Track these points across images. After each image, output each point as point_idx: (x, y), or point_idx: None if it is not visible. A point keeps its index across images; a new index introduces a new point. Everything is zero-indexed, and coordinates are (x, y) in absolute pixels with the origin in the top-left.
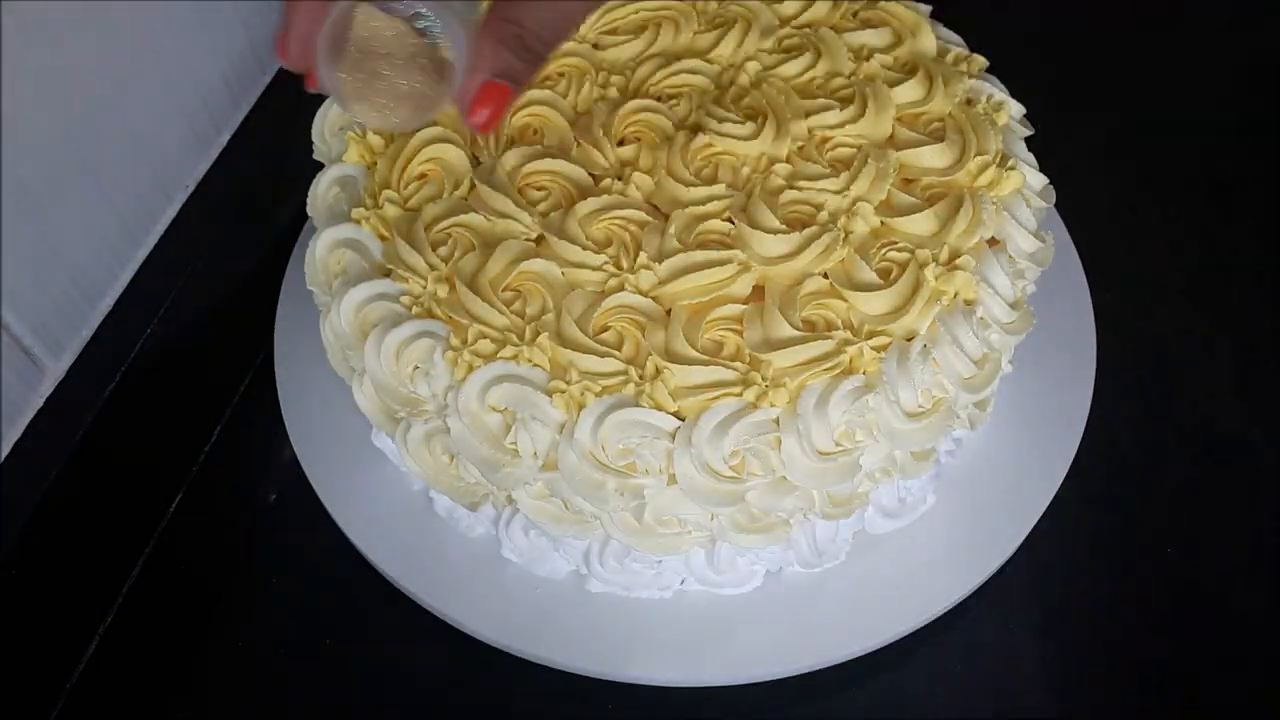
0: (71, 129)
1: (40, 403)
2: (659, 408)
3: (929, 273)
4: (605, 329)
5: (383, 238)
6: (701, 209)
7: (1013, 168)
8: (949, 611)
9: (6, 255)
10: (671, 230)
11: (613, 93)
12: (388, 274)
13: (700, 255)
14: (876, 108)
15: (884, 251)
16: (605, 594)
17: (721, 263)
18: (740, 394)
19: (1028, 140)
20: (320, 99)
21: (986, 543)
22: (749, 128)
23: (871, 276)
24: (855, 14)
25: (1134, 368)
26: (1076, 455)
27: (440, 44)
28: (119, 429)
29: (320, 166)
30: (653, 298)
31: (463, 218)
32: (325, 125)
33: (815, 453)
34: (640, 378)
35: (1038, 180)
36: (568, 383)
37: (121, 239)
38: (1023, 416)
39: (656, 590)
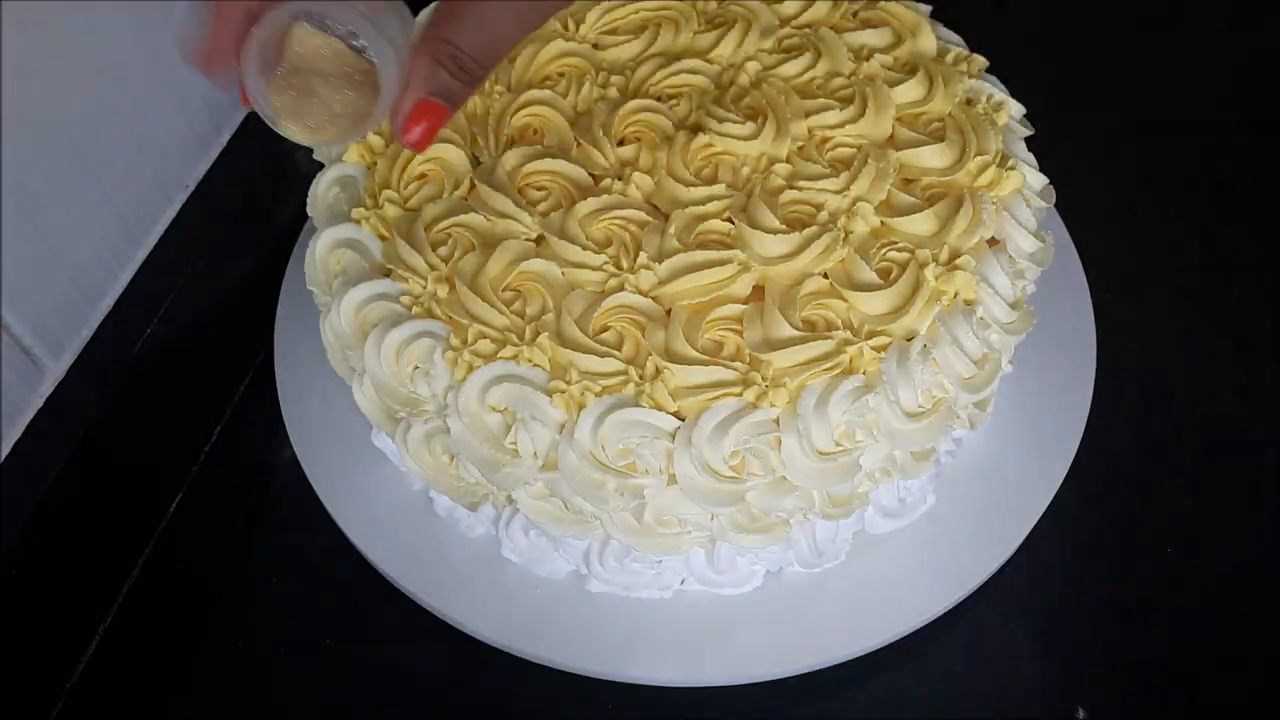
0: (71, 129)
1: (40, 403)
2: (659, 408)
3: (929, 273)
4: (605, 329)
5: (383, 238)
6: (701, 209)
7: (1013, 168)
8: (949, 611)
9: (6, 255)
10: (671, 230)
11: (613, 93)
12: (388, 274)
13: (700, 255)
14: (876, 108)
15: (884, 251)
16: (605, 594)
17: (721, 263)
18: (740, 394)
19: (1028, 140)
20: None
21: (986, 543)
22: (749, 128)
23: (871, 276)
24: (855, 14)
25: (1134, 368)
26: (1076, 455)
27: (377, 63)
28: (119, 429)
29: (320, 166)
30: (653, 298)
31: (463, 218)
32: None
33: (815, 453)
34: (640, 378)
35: (1038, 180)
36: (568, 383)
37: (121, 239)
38: (1023, 416)
39: (656, 590)
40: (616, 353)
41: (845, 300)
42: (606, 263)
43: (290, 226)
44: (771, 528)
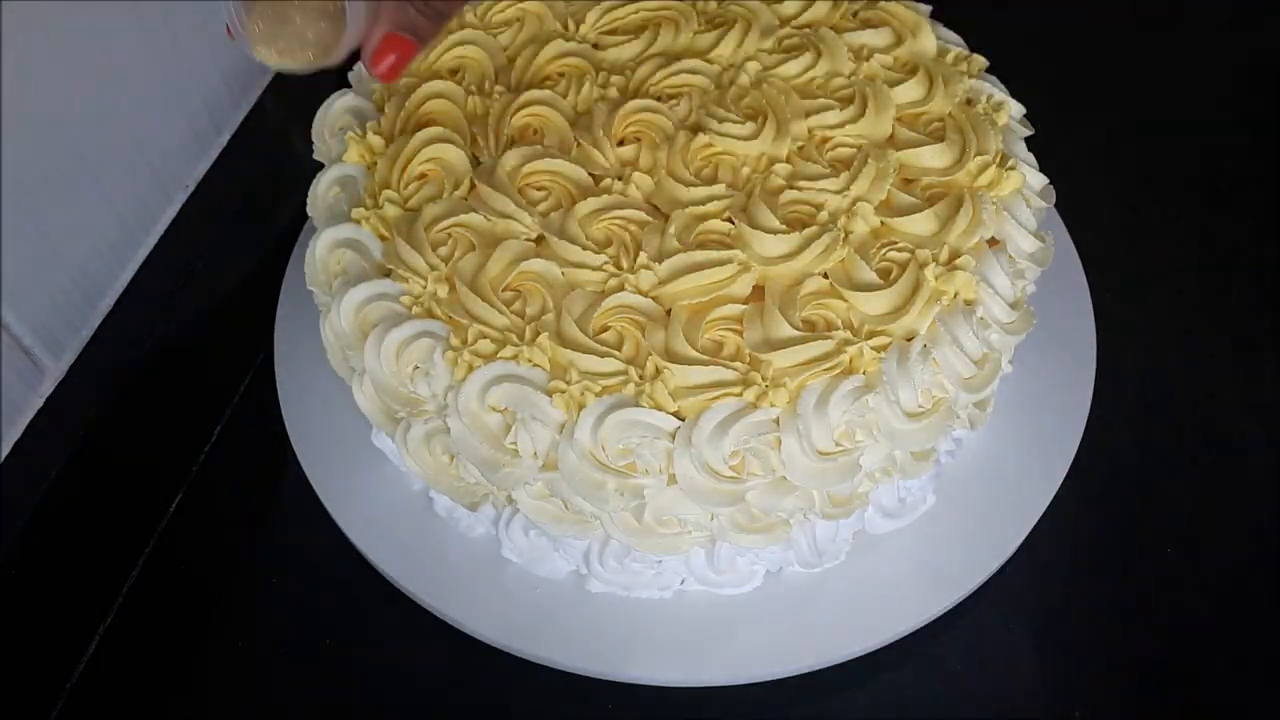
0: (71, 129)
1: (40, 403)
2: (659, 408)
3: (929, 273)
4: (605, 329)
5: (383, 238)
6: (701, 209)
7: (1013, 168)
8: (949, 611)
9: (6, 255)
10: (671, 230)
11: (613, 93)
12: (388, 274)
13: (700, 255)
14: (876, 108)
15: (884, 251)
16: (605, 594)
17: (721, 263)
18: (740, 394)
19: (1028, 140)
20: (320, 99)
21: (986, 543)
22: (749, 128)
23: (871, 276)
24: (855, 14)
25: (1134, 368)
26: (1076, 455)
27: None
28: (119, 429)
29: (320, 166)
30: (653, 298)
31: (463, 218)
32: (325, 125)
33: (815, 453)
34: (640, 378)
35: (1038, 180)
36: (568, 383)
37: (121, 239)
38: (1023, 416)
39: (656, 590)
40: (616, 353)
41: (845, 300)
42: (606, 263)
43: (290, 226)
44: (771, 528)
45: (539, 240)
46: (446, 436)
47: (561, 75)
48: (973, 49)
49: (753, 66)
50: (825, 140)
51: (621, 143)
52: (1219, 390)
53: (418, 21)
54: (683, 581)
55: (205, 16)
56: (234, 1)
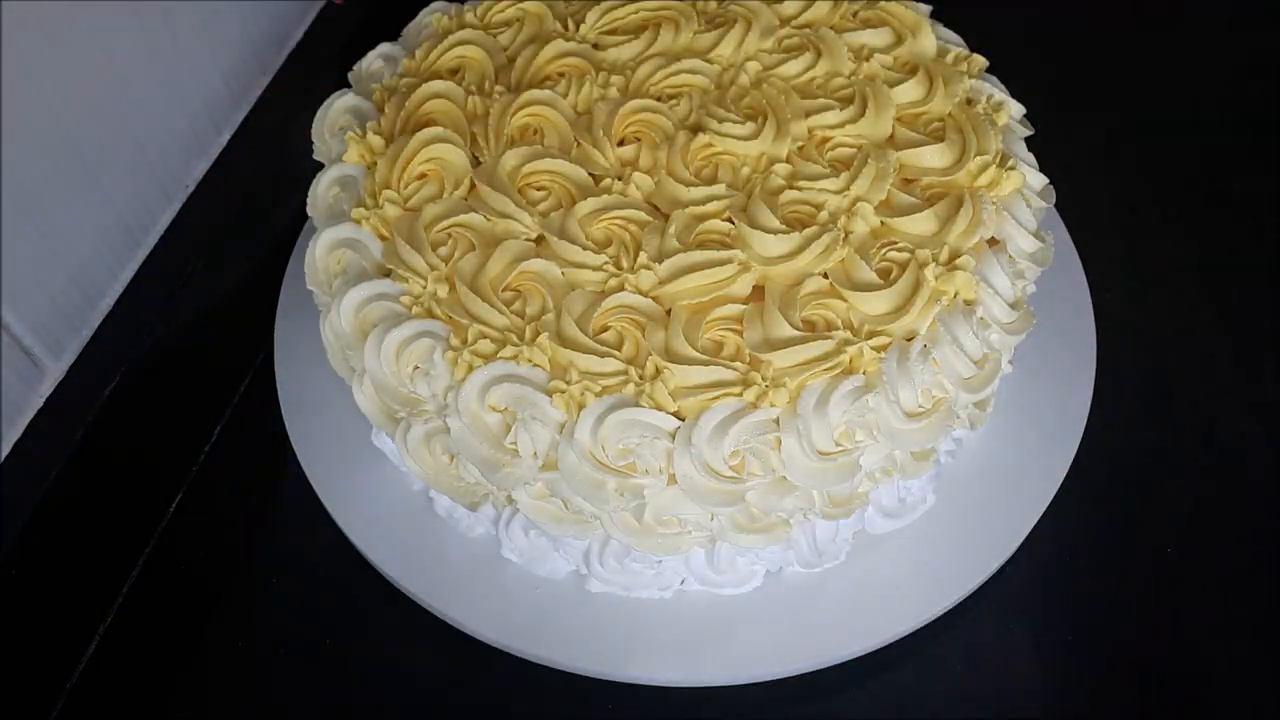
0: (71, 129)
1: (40, 403)
2: (659, 408)
3: (929, 273)
4: (605, 329)
5: (383, 238)
6: (701, 209)
7: (1013, 168)
8: (949, 611)
9: (6, 255)
10: (671, 230)
11: (613, 93)
12: (388, 274)
13: (700, 255)
14: (876, 108)
15: (884, 251)
16: (605, 594)
17: (721, 263)
18: (740, 394)
19: (1028, 140)
20: (320, 99)
21: (986, 543)
22: (749, 128)
23: (871, 276)
24: (855, 14)
25: (1134, 368)
26: (1076, 455)
27: None
28: (119, 429)
29: (320, 166)
30: (653, 298)
31: (463, 218)
32: (325, 125)
33: (815, 453)
34: (640, 378)
35: (1038, 180)
36: (568, 383)
37: (121, 239)
38: (1023, 416)
39: (656, 590)
40: (616, 353)
41: (845, 300)
42: (606, 263)
43: (290, 226)
44: (771, 528)
45: (539, 240)
46: (446, 436)
47: (561, 75)
48: (973, 49)
49: (753, 66)
50: (825, 140)
51: (621, 143)
52: (1219, 390)
53: None
54: (683, 581)
55: (205, 16)
56: None
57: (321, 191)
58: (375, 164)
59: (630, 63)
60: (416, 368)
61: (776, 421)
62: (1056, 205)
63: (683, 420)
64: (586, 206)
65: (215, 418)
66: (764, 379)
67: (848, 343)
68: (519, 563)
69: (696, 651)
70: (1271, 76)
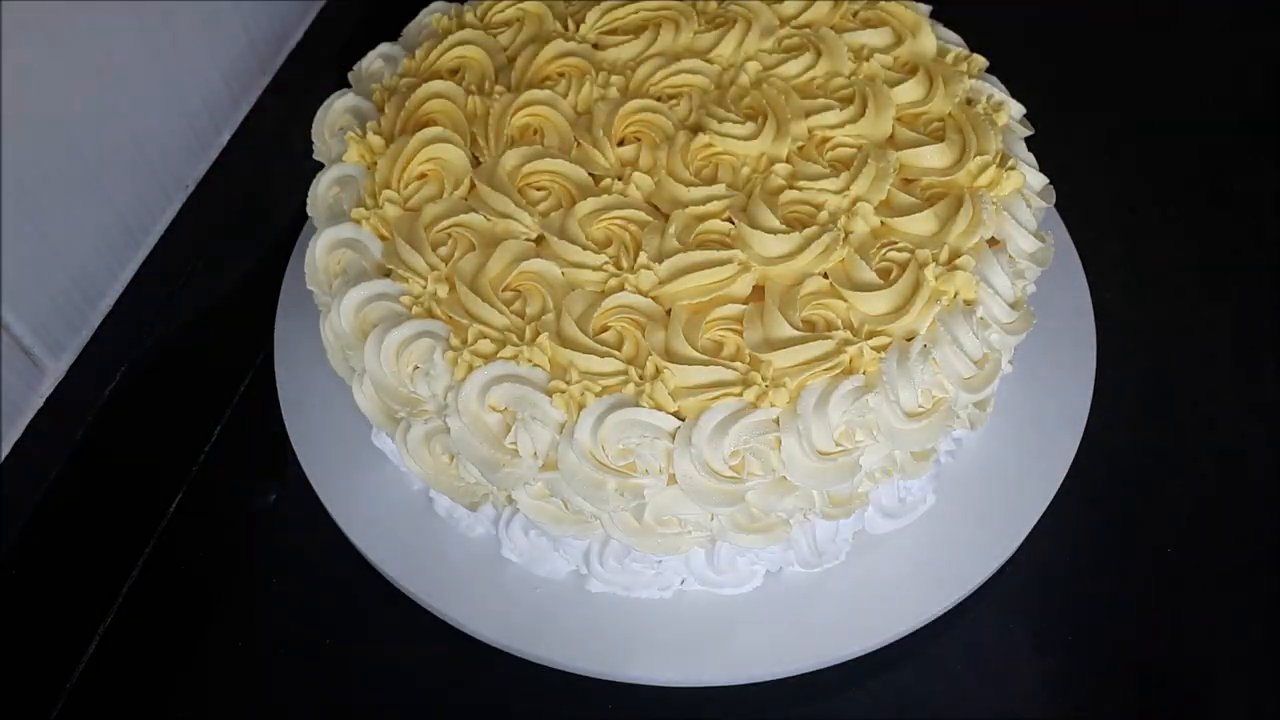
0: (71, 129)
1: (40, 403)
2: (659, 408)
3: (929, 273)
4: (605, 329)
5: (383, 238)
6: (701, 209)
7: (1013, 168)
8: (949, 611)
9: (6, 255)
10: (671, 230)
11: (613, 93)
12: (388, 274)
13: (700, 255)
14: (876, 108)
15: (884, 251)
16: (605, 594)
17: (721, 263)
18: (740, 394)
19: (1028, 140)
20: (320, 99)
21: (986, 543)
22: (749, 128)
23: (871, 276)
24: (855, 14)
25: (1134, 368)
26: (1076, 455)
27: None
28: (119, 429)
29: (320, 166)
30: (653, 298)
31: (463, 218)
32: (325, 125)
33: (815, 453)
34: (640, 378)
35: (1038, 180)
36: (568, 383)
37: (121, 239)
38: (1023, 416)
39: (656, 590)
40: (616, 353)
41: (845, 300)
42: (606, 263)
43: (290, 226)
44: (771, 528)
45: (539, 240)
46: (446, 436)
47: (561, 75)
48: (973, 49)
49: (753, 66)
50: (825, 140)
51: (621, 143)
52: (1219, 390)
53: None
54: (683, 581)
55: (205, 16)
56: None
57: (321, 191)
58: (375, 164)
59: (630, 63)
60: (416, 368)
61: (776, 421)
62: (1056, 205)
63: (683, 420)
64: (586, 206)
65: (215, 418)
66: (764, 379)
67: (848, 343)
68: (519, 563)
69: (696, 651)
70: (1271, 76)
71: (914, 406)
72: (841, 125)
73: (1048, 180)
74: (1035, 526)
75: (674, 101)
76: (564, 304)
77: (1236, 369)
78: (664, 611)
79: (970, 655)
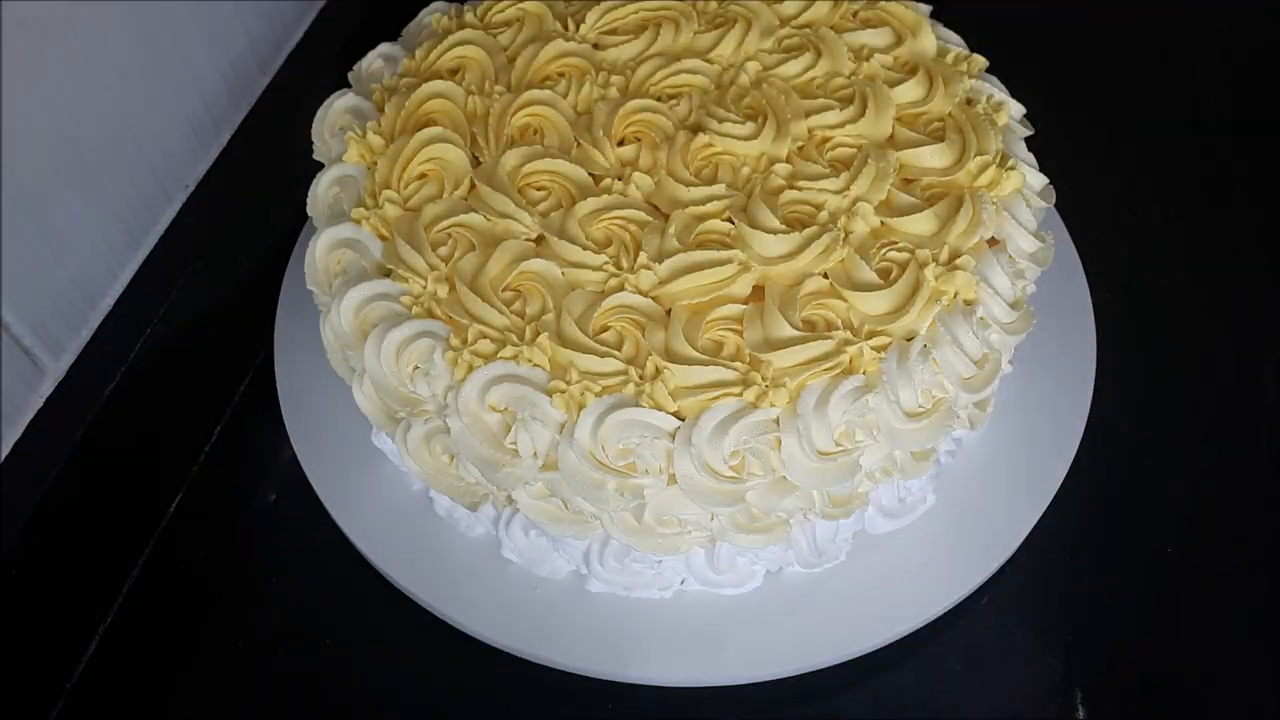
0: (71, 129)
1: (40, 403)
2: (659, 408)
3: (929, 273)
4: (605, 329)
5: (383, 238)
6: (701, 209)
7: (1013, 168)
8: (949, 611)
9: (6, 255)
10: (671, 230)
11: (613, 93)
12: (388, 274)
13: (700, 255)
14: (876, 108)
15: (884, 251)
16: (605, 594)
17: (721, 263)
18: (740, 394)
19: (1028, 140)
20: (320, 99)
21: (986, 543)
22: (749, 128)
23: (871, 276)
24: (855, 14)
25: (1134, 368)
26: (1076, 455)
27: None
28: (119, 429)
29: (320, 166)
30: (653, 298)
31: (463, 218)
32: (325, 125)
33: (815, 453)
34: (640, 378)
35: (1038, 180)
36: (568, 383)
37: (121, 239)
38: (1023, 416)
39: (656, 590)
40: (616, 353)
41: (845, 300)
42: (606, 263)
43: (290, 226)
44: (771, 528)
45: (539, 240)
46: (446, 436)
47: (561, 75)
48: (973, 49)
49: (753, 66)
50: (825, 140)
51: (621, 143)
52: (1219, 390)
53: None
54: (683, 581)
55: (205, 16)
56: None
57: (321, 191)
58: (375, 164)
59: (630, 63)
60: (416, 368)
61: (776, 421)
62: (1056, 205)
63: (683, 420)
64: (586, 206)
65: (215, 418)
66: (764, 379)
67: (848, 343)
68: (519, 563)
69: (696, 651)
70: (1271, 76)
71: (914, 406)
72: (841, 125)
73: (1048, 180)
74: (1035, 526)
75: (674, 101)
76: (564, 304)
77: (1236, 369)
78: (664, 611)
79: (970, 655)
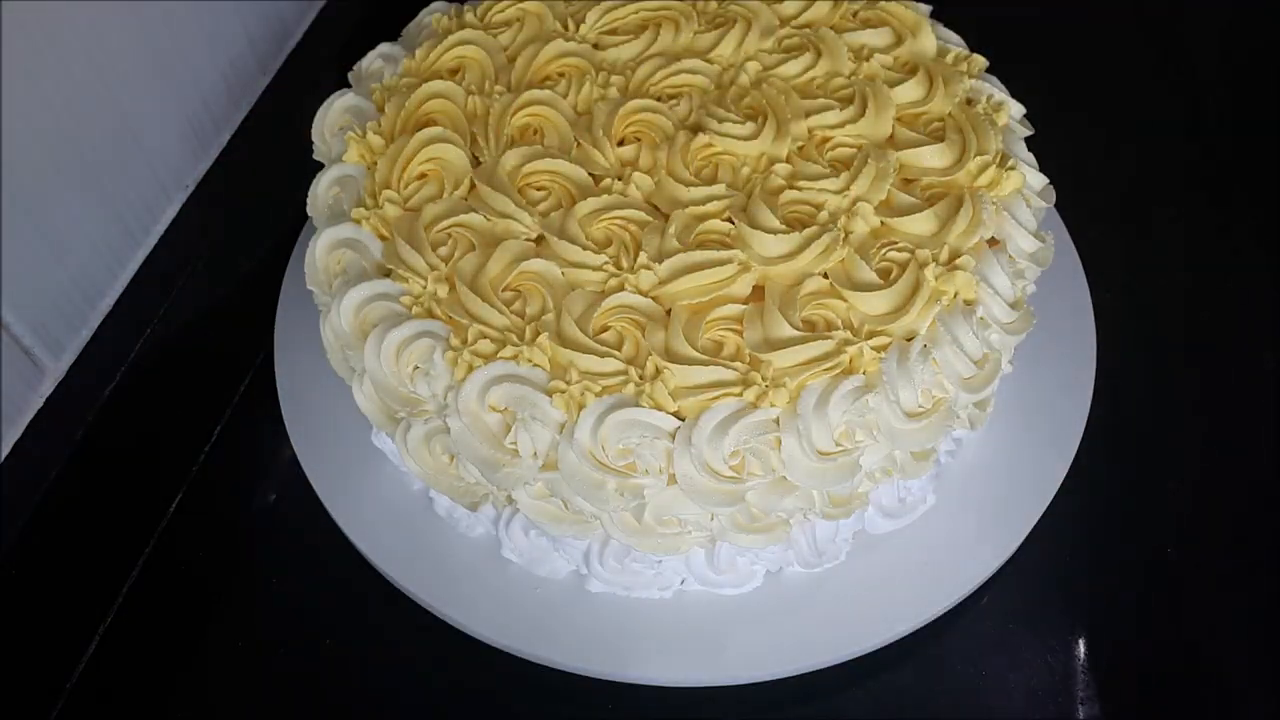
0: (71, 129)
1: (40, 403)
2: (659, 408)
3: (929, 273)
4: (605, 329)
5: (383, 238)
6: (701, 209)
7: (1013, 168)
8: (949, 611)
9: (6, 255)
10: (671, 230)
11: (613, 93)
12: (388, 274)
13: (700, 255)
14: (876, 108)
15: (884, 251)
16: (605, 594)
17: (721, 263)
18: (740, 394)
19: (1028, 140)
20: (320, 99)
21: (986, 543)
22: (749, 128)
23: (871, 276)
24: (855, 14)
25: (1134, 368)
26: (1076, 455)
27: None
28: (119, 429)
29: (320, 166)
30: (653, 298)
31: (463, 218)
32: (325, 125)
33: (815, 453)
34: (640, 378)
35: (1038, 180)
36: (568, 383)
37: (121, 239)
38: (1023, 416)
39: (656, 590)
40: (616, 353)
41: (845, 300)
42: (606, 263)
43: (290, 226)
44: (771, 528)
45: (539, 240)
46: (446, 436)
47: (561, 75)
48: (973, 49)
49: (753, 66)
50: (825, 140)
51: (621, 143)
52: (1219, 390)
53: None
54: (683, 581)
55: (205, 16)
56: None
57: (321, 191)
58: (375, 164)
59: (630, 63)
60: (416, 368)
61: (776, 421)
62: (1056, 205)
63: (683, 420)
64: (586, 206)
65: (215, 418)
66: (764, 379)
67: (848, 343)
68: (519, 563)
69: (696, 651)
70: (1271, 76)
71: (914, 406)
72: (841, 125)
73: (1048, 180)
74: (1035, 526)
75: (674, 101)
76: (564, 304)
77: (1237, 369)
78: (664, 611)
79: (970, 655)
